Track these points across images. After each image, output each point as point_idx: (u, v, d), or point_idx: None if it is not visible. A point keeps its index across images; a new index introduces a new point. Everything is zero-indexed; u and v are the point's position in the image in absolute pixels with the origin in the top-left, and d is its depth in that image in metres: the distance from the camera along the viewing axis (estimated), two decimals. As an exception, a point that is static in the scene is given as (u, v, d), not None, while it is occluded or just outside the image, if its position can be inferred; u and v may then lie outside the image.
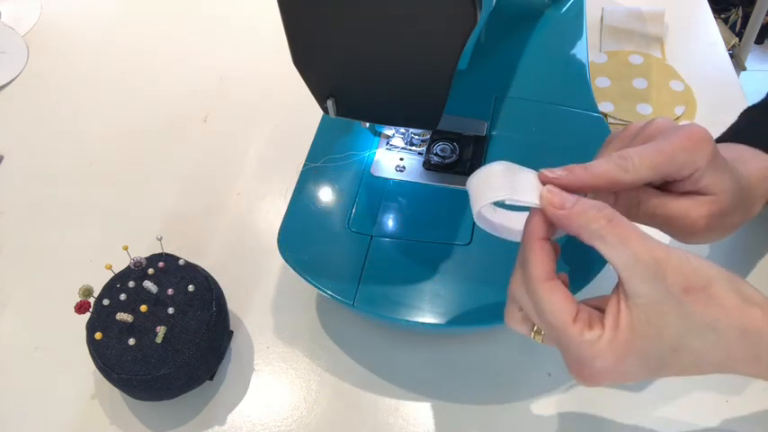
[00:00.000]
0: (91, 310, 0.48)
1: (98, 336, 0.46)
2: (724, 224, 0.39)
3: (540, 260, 0.34)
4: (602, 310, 0.34)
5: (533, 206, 0.35)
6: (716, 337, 0.32)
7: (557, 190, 0.35)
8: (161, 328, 0.46)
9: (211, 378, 0.50)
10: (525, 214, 0.36)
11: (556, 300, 0.33)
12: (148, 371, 0.45)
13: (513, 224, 0.39)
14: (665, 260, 0.31)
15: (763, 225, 0.56)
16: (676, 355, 0.33)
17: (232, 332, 0.53)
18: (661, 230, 0.39)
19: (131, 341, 0.46)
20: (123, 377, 0.45)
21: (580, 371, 0.34)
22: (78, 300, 0.47)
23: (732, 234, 0.41)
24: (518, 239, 0.37)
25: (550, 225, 0.35)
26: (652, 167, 0.36)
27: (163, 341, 0.46)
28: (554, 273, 0.34)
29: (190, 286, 0.49)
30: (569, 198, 0.34)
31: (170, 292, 0.48)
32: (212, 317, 0.48)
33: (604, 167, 0.36)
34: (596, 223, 0.32)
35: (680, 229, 0.38)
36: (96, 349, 0.47)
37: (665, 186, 0.39)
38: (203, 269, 0.52)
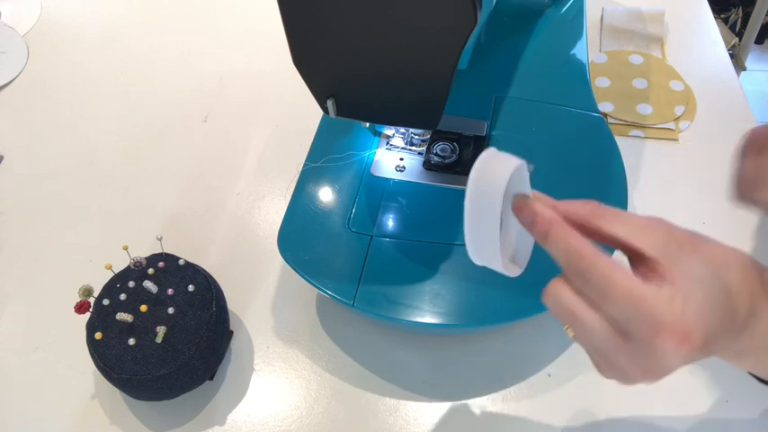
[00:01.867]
0: (91, 310, 0.48)
1: (98, 336, 0.46)
2: None
3: (583, 238, 0.32)
4: None
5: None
6: (736, 272, 0.32)
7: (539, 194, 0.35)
8: (161, 328, 0.46)
9: (211, 378, 0.50)
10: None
11: (620, 267, 0.31)
12: (148, 371, 0.45)
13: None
14: (659, 222, 0.33)
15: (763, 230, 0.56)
16: (729, 298, 0.32)
17: (232, 332, 0.53)
18: None
19: (131, 341, 0.46)
20: (123, 377, 0.45)
21: (674, 330, 0.30)
22: (78, 300, 0.47)
23: None
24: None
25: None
26: None
27: (163, 341, 0.46)
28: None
29: (190, 286, 0.49)
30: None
31: (170, 291, 0.48)
32: (212, 317, 0.48)
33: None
34: (590, 205, 0.34)
35: None
36: (96, 349, 0.47)
37: None
38: (203, 269, 0.52)
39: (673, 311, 0.30)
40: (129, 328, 0.47)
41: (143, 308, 0.47)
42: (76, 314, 0.47)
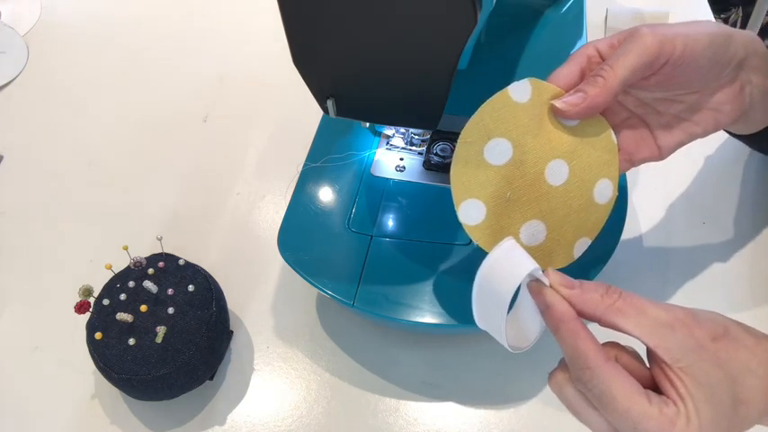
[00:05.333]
0: (91, 309, 0.48)
1: (98, 336, 0.46)
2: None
3: (591, 343, 0.32)
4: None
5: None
6: (754, 378, 0.31)
7: (562, 278, 0.34)
8: (161, 328, 0.46)
9: (211, 378, 0.50)
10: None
11: (627, 381, 0.31)
12: (148, 371, 0.45)
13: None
14: (683, 317, 0.31)
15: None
16: (736, 410, 0.31)
17: (232, 332, 0.53)
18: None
19: (131, 341, 0.46)
20: (123, 377, 0.45)
21: None
22: (78, 300, 0.47)
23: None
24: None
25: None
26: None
27: (163, 341, 0.46)
28: (605, 352, 0.32)
29: (190, 286, 0.49)
30: (574, 281, 0.33)
31: (170, 291, 0.48)
32: (212, 317, 0.48)
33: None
34: (610, 298, 0.32)
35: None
36: (96, 349, 0.47)
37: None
38: (203, 269, 0.52)
39: None
40: (129, 328, 0.47)
41: (143, 308, 0.47)
42: (77, 314, 0.47)
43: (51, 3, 0.87)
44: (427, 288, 0.47)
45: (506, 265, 0.33)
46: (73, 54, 0.81)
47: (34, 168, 0.69)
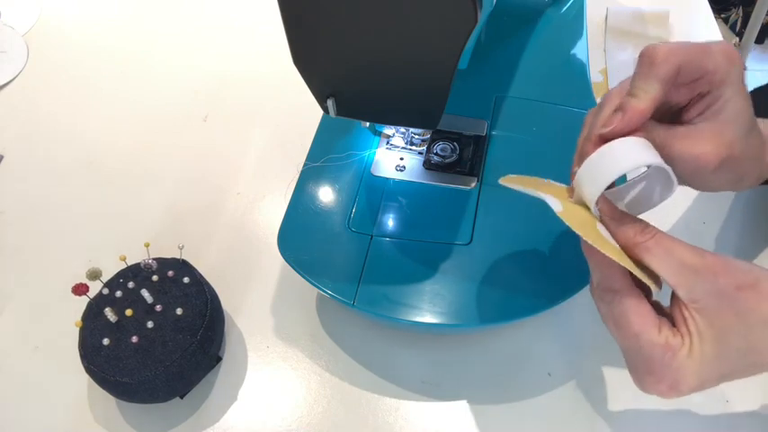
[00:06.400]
0: (88, 294, 0.48)
1: (77, 324, 0.48)
2: (734, 169, 0.37)
3: (617, 267, 0.35)
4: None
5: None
6: None
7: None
8: (136, 338, 0.46)
9: (182, 397, 0.49)
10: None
11: (643, 310, 0.34)
12: (113, 373, 0.46)
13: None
14: (712, 263, 0.33)
15: None
16: (744, 357, 0.33)
17: (220, 358, 0.52)
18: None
19: (106, 341, 0.46)
20: (92, 368, 0.46)
21: (661, 380, 0.34)
22: (81, 282, 0.48)
23: (744, 190, 0.42)
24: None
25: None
26: (679, 57, 0.35)
27: (136, 351, 0.46)
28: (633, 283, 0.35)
29: (178, 309, 0.48)
30: (617, 212, 0.36)
31: (158, 308, 0.48)
32: (192, 345, 0.47)
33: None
34: (642, 237, 0.34)
35: (688, 166, 0.37)
36: (81, 332, 0.48)
37: (675, 118, 0.38)
38: (212, 291, 0.51)
39: (669, 364, 0.33)
40: (110, 327, 0.47)
41: (128, 312, 0.47)
42: (74, 295, 0.47)
43: (51, 3, 0.87)
44: (427, 288, 0.47)
45: (625, 152, 0.35)
46: (73, 54, 0.81)
47: (34, 168, 0.69)
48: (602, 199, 0.36)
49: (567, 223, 0.35)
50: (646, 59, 0.36)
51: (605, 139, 0.36)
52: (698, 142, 0.36)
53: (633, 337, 0.34)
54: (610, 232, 0.36)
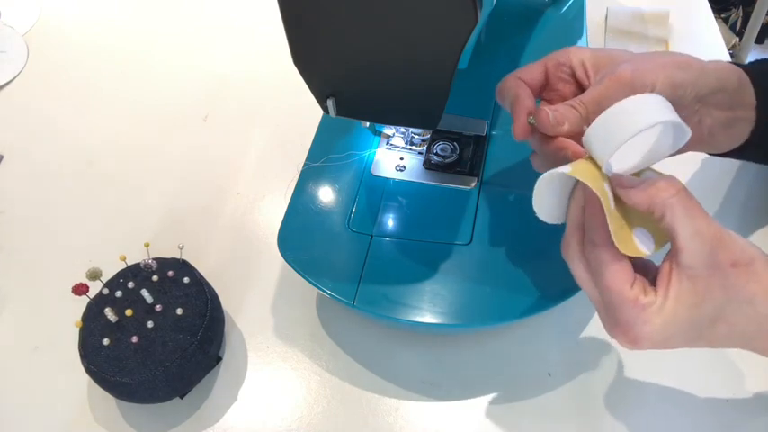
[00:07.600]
0: (88, 294, 0.48)
1: (77, 324, 0.47)
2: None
3: (605, 228, 0.35)
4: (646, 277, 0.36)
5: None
6: (752, 310, 0.34)
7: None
8: (136, 338, 0.46)
9: (182, 397, 0.50)
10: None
11: (619, 266, 0.35)
12: (112, 373, 0.46)
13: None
14: (720, 237, 0.34)
15: None
16: (713, 325, 0.35)
17: (221, 358, 0.52)
18: None
19: (106, 341, 0.46)
20: (91, 368, 0.46)
21: (626, 332, 0.35)
22: (82, 283, 0.48)
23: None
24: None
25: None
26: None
27: (136, 351, 0.46)
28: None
29: (179, 309, 0.48)
30: (634, 181, 0.36)
31: (158, 308, 0.48)
32: (192, 345, 0.47)
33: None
34: (667, 192, 0.34)
35: None
36: (81, 332, 0.48)
37: None
38: (212, 291, 0.51)
39: (635, 318, 0.34)
40: (110, 327, 0.47)
41: (128, 312, 0.47)
42: (74, 295, 0.47)
43: (51, 3, 0.87)
44: (427, 288, 0.47)
45: (645, 109, 0.35)
46: (73, 54, 0.81)
47: (34, 168, 0.69)
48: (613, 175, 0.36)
49: (576, 176, 0.36)
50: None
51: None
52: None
53: (605, 289, 0.35)
54: (624, 195, 0.36)
